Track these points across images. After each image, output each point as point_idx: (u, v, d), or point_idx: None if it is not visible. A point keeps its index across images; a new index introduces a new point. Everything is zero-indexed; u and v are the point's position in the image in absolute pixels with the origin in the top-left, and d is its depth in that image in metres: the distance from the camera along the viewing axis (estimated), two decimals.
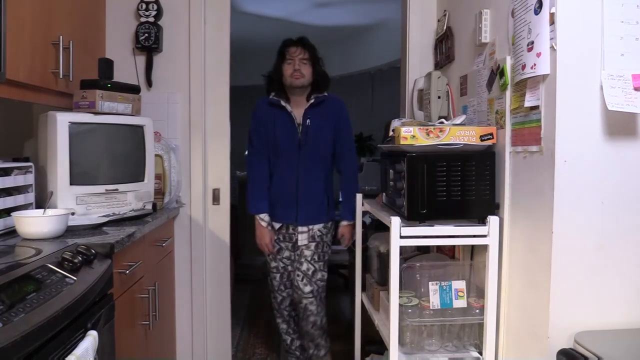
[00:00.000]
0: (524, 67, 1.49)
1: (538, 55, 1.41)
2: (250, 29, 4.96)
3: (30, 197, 1.76)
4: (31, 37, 1.72)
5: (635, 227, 1.37)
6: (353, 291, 2.48)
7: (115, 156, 2.09)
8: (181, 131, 2.59)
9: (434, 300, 1.72)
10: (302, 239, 2.51)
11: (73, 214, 1.83)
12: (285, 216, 2.53)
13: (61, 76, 1.87)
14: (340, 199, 2.64)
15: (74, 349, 1.14)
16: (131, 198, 2.09)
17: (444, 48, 2.29)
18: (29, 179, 1.75)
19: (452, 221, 1.70)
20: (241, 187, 4.34)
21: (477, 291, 1.80)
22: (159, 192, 2.35)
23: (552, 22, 1.37)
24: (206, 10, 2.58)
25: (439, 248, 2.15)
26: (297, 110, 2.51)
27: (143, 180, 2.16)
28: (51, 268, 1.25)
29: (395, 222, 1.64)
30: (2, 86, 1.57)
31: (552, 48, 1.37)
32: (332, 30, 5.32)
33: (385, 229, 1.81)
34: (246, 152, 2.70)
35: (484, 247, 1.69)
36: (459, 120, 1.85)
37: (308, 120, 2.48)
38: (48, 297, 1.13)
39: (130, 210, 2.06)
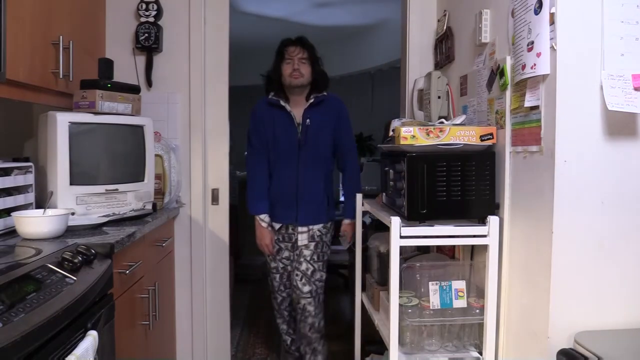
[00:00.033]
0: (524, 67, 1.49)
1: (538, 55, 1.41)
2: (250, 29, 4.96)
3: (30, 197, 1.76)
4: (31, 37, 1.72)
5: (635, 227, 1.37)
6: (353, 291, 2.48)
7: (115, 156, 2.09)
8: (181, 131, 2.59)
9: (434, 300, 1.72)
10: (302, 239, 2.51)
11: (73, 214, 1.83)
12: (285, 216, 2.52)
13: (61, 76, 1.88)
14: (341, 199, 2.65)
15: (74, 349, 1.14)
16: (131, 198, 2.09)
17: (444, 48, 2.29)
18: (29, 179, 1.75)
19: (452, 221, 1.70)
20: (241, 187, 4.34)
21: (477, 291, 1.80)
22: (159, 192, 2.35)
23: (552, 22, 1.37)
24: (206, 10, 2.58)
25: (439, 248, 2.15)
26: (297, 109, 2.50)
27: (143, 180, 2.16)
28: (51, 268, 1.25)
29: (395, 222, 1.64)
30: (2, 86, 1.57)
31: (552, 48, 1.37)
32: (332, 30, 5.31)
33: (385, 229, 1.81)
34: (246, 153, 2.71)
35: (484, 247, 1.69)
36: (459, 120, 1.85)
37: (308, 120, 2.48)
38: (48, 297, 1.13)
39: (130, 210, 2.06)
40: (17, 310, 1.02)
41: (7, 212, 1.64)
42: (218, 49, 2.61)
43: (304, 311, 2.50)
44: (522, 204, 1.58)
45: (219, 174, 2.66)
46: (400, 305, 1.70)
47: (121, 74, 2.33)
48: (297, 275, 2.50)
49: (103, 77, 2.07)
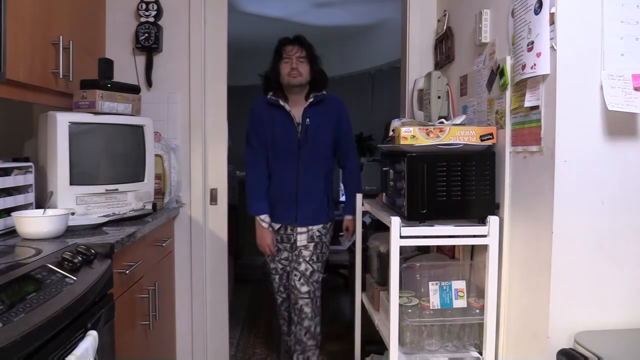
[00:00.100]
0: (524, 67, 1.49)
1: (538, 55, 1.41)
2: (250, 29, 4.96)
3: (30, 197, 1.76)
4: (31, 37, 1.72)
5: (635, 227, 1.37)
6: (353, 291, 2.48)
7: (115, 156, 2.09)
8: (181, 131, 2.59)
9: (434, 300, 1.72)
10: (301, 240, 2.50)
11: (73, 214, 1.83)
12: (285, 216, 2.52)
13: (61, 76, 1.87)
14: (341, 199, 2.64)
15: (74, 349, 1.14)
16: (131, 198, 2.09)
17: (444, 48, 2.29)
18: (29, 179, 1.75)
19: (452, 221, 1.70)
20: (241, 187, 4.34)
21: (477, 291, 1.80)
22: (159, 192, 2.35)
23: (552, 22, 1.37)
24: (206, 10, 2.58)
25: (439, 248, 2.15)
26: (296, 109, 2.50)
27: (143, 180, 2.16)
28: (51, 268, 1.25)
29: (395, 222, 1.64)
30: (2, 86, 1.57)
31: (552, 48, 1.37)
32: (332, 30, 5.32)
33: (385, 229, 1.81)
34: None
35: (484, 247, 1.69)
36: (459, 120, 1.85)
37: (307, 120, 2.47)
38: (48, 297, 1.13)
39: (130, 210, 2.06)
40: (17, 310, 1.02)
41: (7, 212, 1.64)
42: (218, 48, 2.61)
43: (300, 312, 2.49)
44: (522, 204, 1.58)
45: (218, 174, 2.66)
46: (400, 305, 1.70)
47: (121, 74, 2.33)
48: (295, 275, 2.49)
49: (103, 77, 2.07)
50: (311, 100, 2.49)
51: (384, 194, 2.08)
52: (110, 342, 1.46)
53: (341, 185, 2.82)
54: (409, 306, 1.74)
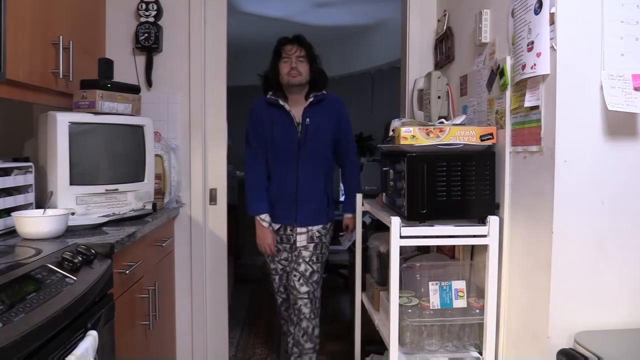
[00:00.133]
0: (524, 67, 1.49)
1: (538, 55, 1.41)
2: (250, 29, 4.97)
3: (30, 197, 1.76)
4: (31, 37, 1.72)
5: (635, 227, 1.37)
6: (353, 291, 2.48)
7: (115, 156, 2.09)
8: (181, 131, 2.59)
9: (434, 300, 1.72)
10: (301, 240, 2.50)
11: (73, 214, 1.83)
12: (285, 217, 2.51)
13: (61, 76, 1.87)
14: (341, 199, 2.64)
15: (74, 349, 1.14)
16: (131, 198, 2.09)
17: (444, 48, 2.29)
18: (29, 179, 1.75)
19: (452, 221, 1.70)
20: (241, 187, 4.34)
21: (477, 291, 1.80)
22: (159, 192, 2.35)
23: (552, 22, 1.37)
24: (206, 10, 2.58)
25: (439, 248, 2.15)
26: (296, 109, 2.49)
27: (143, 180, 2.16)
28: (51, 268, 1.25)
29: (395, 222, 1.64)
30: (2, 86, 1.57)
31: (552, 48, 1.37)
32: (332, 30, 5.32)
33: (385, 229, 1.81)
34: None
35: (484, 247, 1.69)
36: (459, 120, 1.85)
37: (307, 119, 2.46)
38: (48, 297, 1.13)
39: (130, 210, 2.06)
40: (17, 310, 1.02)
41: (7, 212, 1.64)
42: (218, 48, 2.61)
43: (299, 313, 2.48)
44: (522, 204, 1.58)
45: (217, 174, 2.66)
46: (400, 305, 1.70)
47: (121, 74, 2.33)
48: (295, 275, 2.49)
49: (103, 77, 2.07)
50: (311, 99, 2.48)
51: (384, 194, 2.08)
52: (110, 342, 1.46)
53: (341, 185, 2.81)
54: (409, 306, 1.74)
